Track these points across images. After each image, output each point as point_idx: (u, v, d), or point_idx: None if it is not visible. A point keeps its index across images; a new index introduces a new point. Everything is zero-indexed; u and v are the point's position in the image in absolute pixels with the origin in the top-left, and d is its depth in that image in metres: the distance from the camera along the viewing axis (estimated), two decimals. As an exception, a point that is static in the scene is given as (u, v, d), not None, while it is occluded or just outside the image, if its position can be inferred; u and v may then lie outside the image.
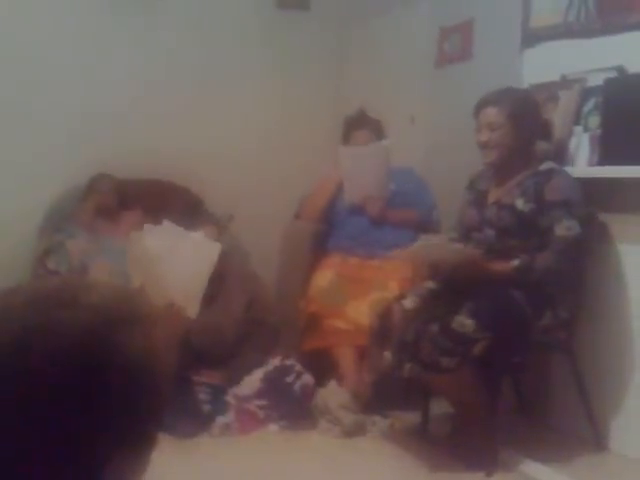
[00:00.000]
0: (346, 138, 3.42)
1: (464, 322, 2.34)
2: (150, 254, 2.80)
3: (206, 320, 2.84)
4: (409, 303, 2.63)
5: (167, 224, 2.84)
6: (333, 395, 2.87)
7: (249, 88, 3.88)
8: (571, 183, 2.49)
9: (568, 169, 2.59)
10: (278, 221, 3.61)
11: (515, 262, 2.44)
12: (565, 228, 2.42)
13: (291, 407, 2.86)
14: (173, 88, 3.70)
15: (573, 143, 2.70)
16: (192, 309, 2.80)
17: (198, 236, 2.90)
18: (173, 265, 2.80)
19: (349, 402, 2.84)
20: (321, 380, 2.99)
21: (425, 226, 3.21)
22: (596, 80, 2.66)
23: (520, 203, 2.51)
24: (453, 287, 2.57)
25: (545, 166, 2.54)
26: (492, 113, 2.55)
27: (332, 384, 2.93)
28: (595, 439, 2.61)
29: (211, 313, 2.86)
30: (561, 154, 2.71)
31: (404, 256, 2.81)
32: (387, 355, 2.54)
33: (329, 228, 3.43)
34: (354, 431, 2.78)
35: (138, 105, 3.62)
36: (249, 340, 3.04)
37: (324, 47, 4.05)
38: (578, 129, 2.70)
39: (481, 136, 2.59)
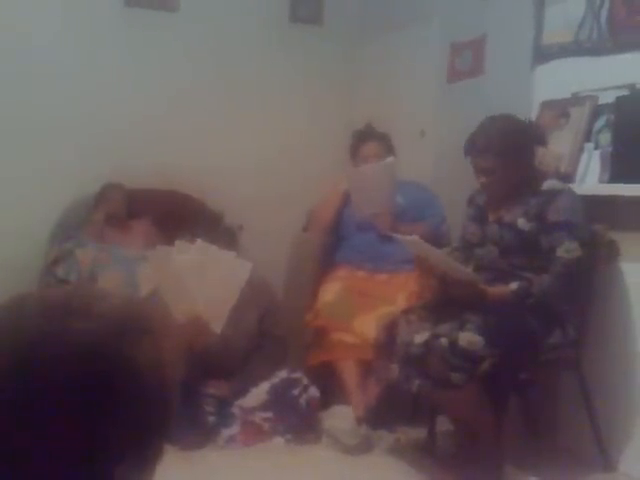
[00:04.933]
0: (354, 152, 3.44)
1: (472, 339, 2.33)
2: (179, 268, 2.79)
3: (219, 333, 2.83)
4: (414, 316, 2.63)
5: (200, 243, 2.84)
6: (338, 419, 2.85)
7: (261, 102, 3.90)
8: (574, 204, 2.46)
9: (576, 186, 2.58)
10: (287, 234, 3.62)
11: (513, 286, 2.43)
12: (565, 250, 2.40)
13: (297, 420, 2.85)
14: (186, 101, 3.72)
15: (584, 160, 2.70)
16: (217, 324, 2.80)
17: (231, 255, 2.91)
18: (203, 281, 2.79)
19: (353, 426, 2.82)
20: (327, 394, 2.98)
21: (435, 239, 3.20)
22: (607, 97, 2.67)
23: (521, 222, 2.48)
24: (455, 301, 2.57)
25: (548, 186, 2.49)
26: (485, 160, 2.50)
27: (339, 408, 2.91)
28: (603, 459, 2.59)
29: (224, 326, 2.85)
30: (571, 171, 2.71)
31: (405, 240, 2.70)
32: (394, 368, 2.53)
33: (337, 241, 3.44)
34: (358, 453, 2.77)
35: (151, 117, 3.64)
36: (257, 352, 3.04)
37: (336, 62, 4.06)
38: (589, 146, 2.70)
39: (479, 179, 2.57)
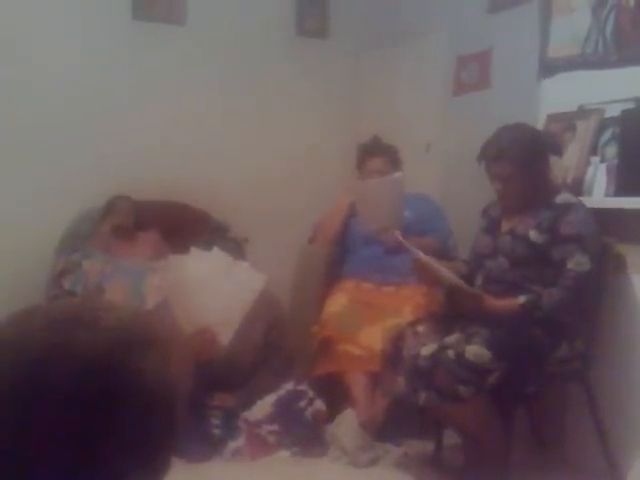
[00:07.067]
0: (361, 165, 3.44)
1: (479, 352, 2.33)
2: (191, 278, 2.79)
3: (226, 345, 2.83)
4: (421, 329, 2.62)
5: (216, 251, 2.84)
6: (344, 427, 2.84)
7: (267, 115, 3.91)
8: (586, 218, 2.46)
9: (584, 199, 2.58)
10: (293, 246, 3.62)
11: (521, 299, 2.43)
12: (576, 263, 2.40)
13: (302, 433, 2.84)
14: (192, 114, 3.74)
15: (590, 173, 2.70)
16: (226, 336, 2.80)
17: (245, 266, 2.90)
18: (215, 291, 2.79)
19: (361, 434, 2.81)
20: (333, 406, 2.97)
21: (442, 253, 3.20)
22: (613, 111, 2.67)
23: (534, 234, 2.49)
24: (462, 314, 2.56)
25: (562, 199, 2.50)
26: (500, 166, 2.51)
27: (344, 415, 2.90)
28: (611, 473, 2.57)
29: (231, 338, 2.85)
30: (577, 184, 2.71)
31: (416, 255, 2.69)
32: (400, 381, 2.52)
33: (343, 253, 3.44)
34: (365, 465, 2.76)
35: (157, 130, 3.66)
36: (264, 364, 3.03)
37: (342, 75, 4.08)
38: (595, 159, 2.70)
39: (494, 185, 2.58)
